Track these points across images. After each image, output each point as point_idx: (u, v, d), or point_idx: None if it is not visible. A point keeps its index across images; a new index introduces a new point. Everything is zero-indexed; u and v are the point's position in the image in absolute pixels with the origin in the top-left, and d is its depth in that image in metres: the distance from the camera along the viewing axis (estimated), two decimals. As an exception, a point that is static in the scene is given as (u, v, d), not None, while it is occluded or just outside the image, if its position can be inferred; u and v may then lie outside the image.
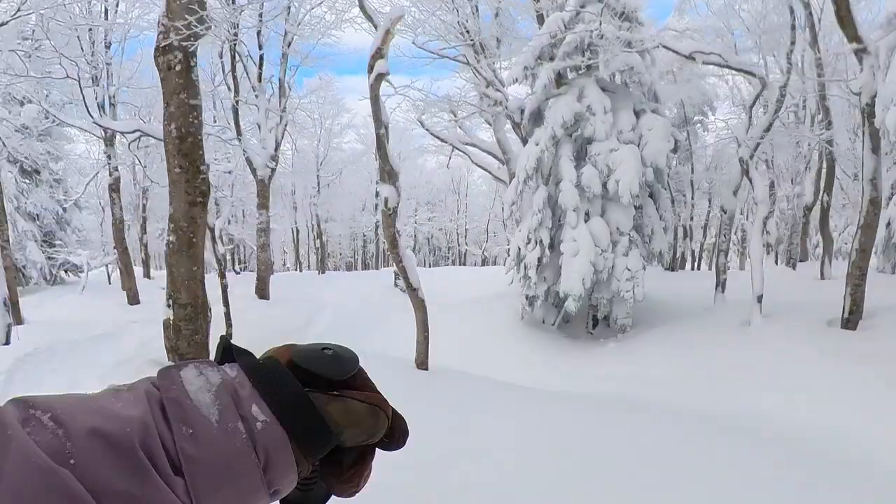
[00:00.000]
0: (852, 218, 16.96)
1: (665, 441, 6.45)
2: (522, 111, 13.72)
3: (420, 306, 8.31)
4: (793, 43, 13.01)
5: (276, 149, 16.24)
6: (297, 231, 34.63)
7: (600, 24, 11.29)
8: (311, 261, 38.97)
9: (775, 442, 6.80)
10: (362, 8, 9.37)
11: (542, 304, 12.90)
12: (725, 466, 5.59)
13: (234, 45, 14.55)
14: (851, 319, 9.95)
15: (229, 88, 15.65)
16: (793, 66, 13.52)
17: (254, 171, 15.93)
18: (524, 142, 13.79)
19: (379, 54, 7.94)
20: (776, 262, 24.30)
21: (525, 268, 12.55)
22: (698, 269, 24.91)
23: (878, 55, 9.73)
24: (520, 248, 12.65)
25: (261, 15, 14.92)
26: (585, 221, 12.12)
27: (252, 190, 18.78)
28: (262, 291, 15.77)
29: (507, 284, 13.53)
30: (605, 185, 12.03)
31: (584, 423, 6.91)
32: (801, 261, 20.44)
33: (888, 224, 16.54)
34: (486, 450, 5.37)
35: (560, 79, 12.87)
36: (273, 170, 15.82)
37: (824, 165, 17.82)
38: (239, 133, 15.49)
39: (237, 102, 15.22)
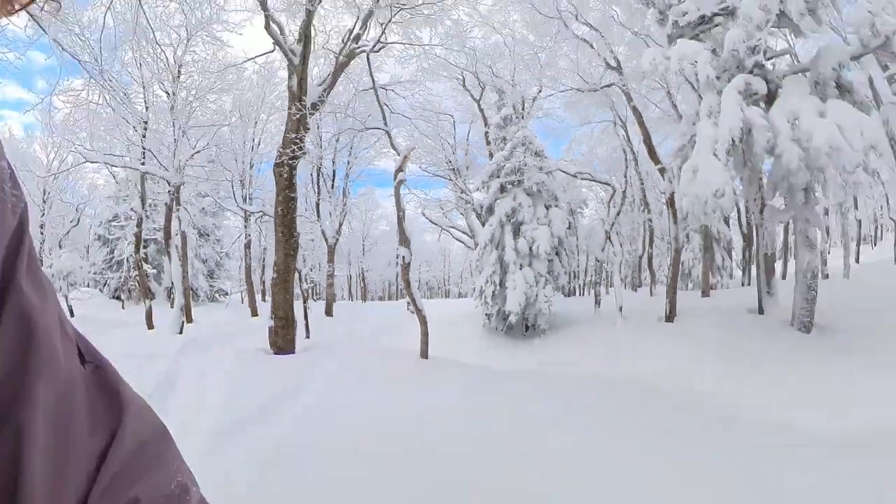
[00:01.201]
0: (665, 260, 20.06)
1: (581, 394, 7.26)
2: (482, 207, 15.49)
3: (423, 321, 9.32)
4: (626, 168, 17.32)
5: (339, 227, 21.84)
6: (350, 277, 42.35)
7: (524, 157, 14.02)
8: (356, 294, 45.96)
9: (640, 390, 7.93)
10: (392, 145, 11.25)
11: (495, 319, 13.99)
12: (618, 408, 6.48)
13: (320, 165, 19.17)
14: (670, 316, 11.97)
15: (315, 191, 20.20)
16: (627, 179, 17.92)
17: (325, 239, 20.60)
18: (483, 224, 15.46)
19: (400, 169, 9.84)
20: (625, 288, 25.78)
21: (485, 297, 13.89)
22: (583, 294, 27.16)
23: (672, 169, 12.12)
24: (482, 286, 14.05)
25: (335, 149, 20.10)
26: (520, 269, 13.50)
27: (324, 251, 22.45)
28: (329, 312, 19.67)
29: (474, 308, 14.79)
30: (530, 249, 13.53)
31: (527, 387, 7.57)
32: (638, 286, 23.85)
33: (682, 263, 20.34)
34: (471, 401, 6.40)
35: (503, 188, 14.45)
36: (337, 239, 21.01)
37: (647, 232, 21.36)
38: (318, 216, 19.87)
39: (319, 199, 20.04)
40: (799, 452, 4.83)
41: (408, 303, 17.22)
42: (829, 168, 8.35)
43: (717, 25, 10.06)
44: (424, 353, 9.24)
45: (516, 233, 14.00)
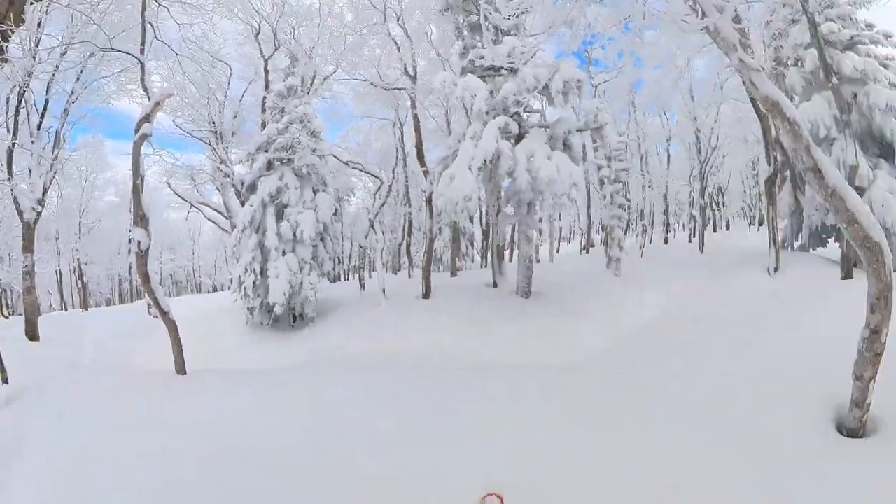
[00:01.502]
0: (421, 248, 22.20)
1: (355, 370, 7.82)
2: (244, 183, 14.30)
3: (172, 327, 7.50)
4: (396, 165, 18.69)
5: (44, 194, 12.43)
6: (61, 273, 26.70)
7: (300, 135, 13.35)
8: (73, 300, 30.11)
9: (412, 361, 8.97)
10: (143, 82, 8.55)
11: (258, 313, 13.05)
12: (412, 386, 6.25)
13: (25, 87, 11.54)
14: (426, 294, 13.62)
15: (8, 130, 11.93)
16: (395, 175, 19.20)
17: (20, 213, 11.93)
18: (242, 203, 14.43)
19: (146, 119, 7.42)
20: (387, 271, 26.88)
21: (244, 289, 12.66)
22: (348, 279, 27.33)
23: (435, 174, 13.48)
24: (241, 276, 12.80)
25: (57, 67, 11.99)
26: (283, 256, 12.74)
27: (17, 232, 14.64)
28: (32, 333, 11.78)
29: (233, 302, 13.55)
30: (294, 234, 12.82)
31: (302, 379, 7.10)
32: (398, 270, 25.41)
33: (434, 249, 23.00)
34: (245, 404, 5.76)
35: (270, 165, 13.58)
36: (39, 213, 12.05)
37: (407, 223, 22.80)
38: (10, 173, 11.91)
39: (14, 144, 11.95)
40: (534, 376, 6.58)
41: (149, 304, 14.49)
42: (546, 192, 11.48)
43: (500, 75, 12.45)
44: (180, 369, 7.48)
45: (280, 216, 13.23)
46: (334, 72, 16.34)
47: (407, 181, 20.55)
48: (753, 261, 12.92)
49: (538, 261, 20.31)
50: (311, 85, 16.24)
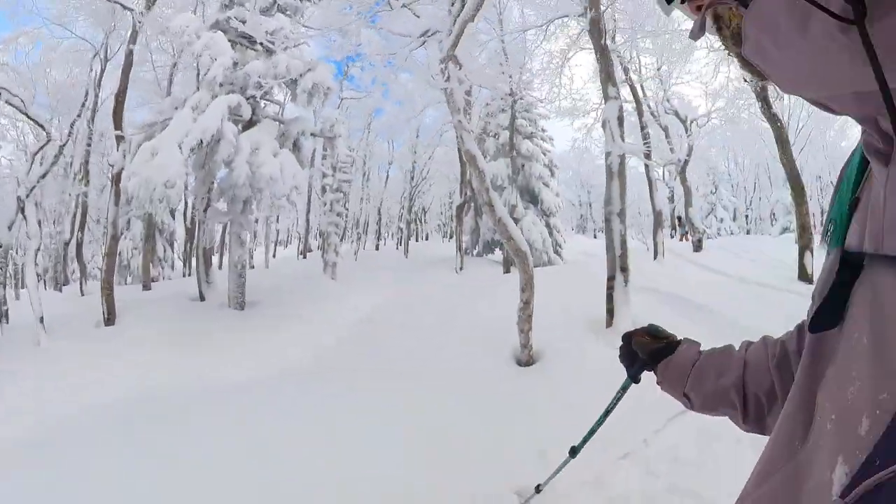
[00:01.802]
0: (99, 249, 17.29)
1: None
2: None
3: None
4: (80, 114, 12.93)
5: None
6: None
7: None
8: None
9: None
10: None
11: None
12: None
13: None
14: (110, 318, 10.04)
15: None
16: (75, 132, 13.25)
17: None
18: None
19: None
20: (45, 288, 19.73)
21: None
22: None
23: (132, 143, 11.02)
24: None
25: None
26: None
27: None
28: None
29: None
30: None
31: None
32: (64, 284, 18.80)
33: (119, 253, 18.72)
34: None
35: None
36: None
37: (81, 209, 16.88)
38: None
39: None
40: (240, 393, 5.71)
41: None
42: (266, 191, 10.64)
43: (254, 49, 11.12)
44: None
45: None
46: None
47: (90, 145, 14.83)
48: (445, 263, 16.47)
49: (252, 266, 19.38)
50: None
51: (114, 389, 7.25)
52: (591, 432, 1.57)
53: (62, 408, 6.73)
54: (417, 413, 4.69)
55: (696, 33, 0.49)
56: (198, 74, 11.47)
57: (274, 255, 25.29)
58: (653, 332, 0.95)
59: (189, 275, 18.71)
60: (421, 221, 39.88)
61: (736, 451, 3.27)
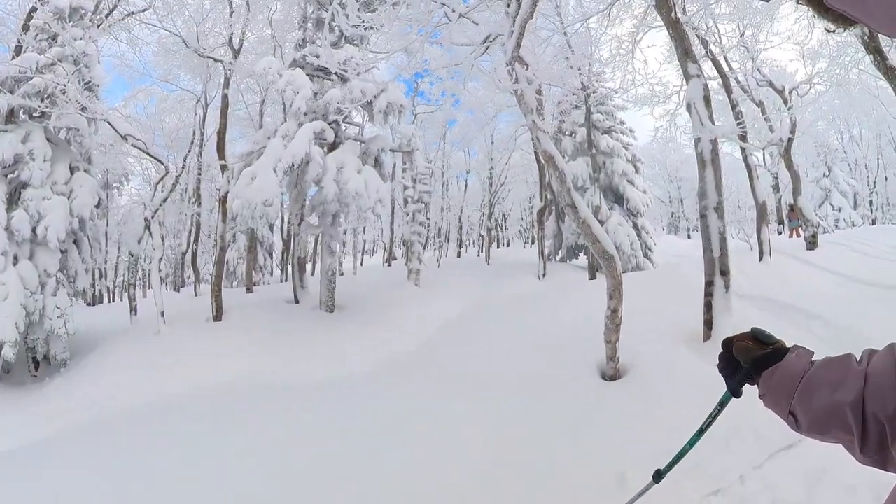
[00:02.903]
0: (210, 258, 19.02)
1: (124, 436, 5.93)
2: None
3: None
4: (190, 151, 15.57)
5: None
6: None
7: (68, 81, 9.28)
8: None
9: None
10: None
11: None
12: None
13: None
14: (217, 315, 11.38)
15: None
16: (186, 164, 15.87)
17: None
18: None
19: None
20: (166, 290, 23.26)
21: None
22: (114, 300, 22.72)
23: (234, 170, 12.36)
24: None
25: None
26: (14, 265, 8.96)
27: None
28: None
29: None
30: (34, 229, 9.18)
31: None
32: (181, 287, 22.06)
33: (227, 261, 20.55)
34: None
35: (12, 115, 9.57)
36: None
37: (194, 226, 18.88)
38: None
39: None
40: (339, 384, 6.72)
41: None
42: (353, 205, 11.26)
43: (329, 80, 12.01)
44: None
45: (14, 199, 9.50)
46: (145, 10, 12.54)
47: (200, 174, 17.23)
48: (527, 269, 16.00)
49: (342, 273, 20.49)
50: (107, 17, 11.86)
51: (217, 374, 8.53)
52: (681, 455, 1.41)
53: (176, 386, 8.13)
54: (493, 423, 4.64)
55: None
56: (284, 107, 12.69)
57: (361, 264, 26.50)
58: (758, 337, 0.84)
59: (285, 280, 20.09)
60: (501, 227, 39.57)
61: (848, 501, 2.69)
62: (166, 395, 7.80)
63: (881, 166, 28.46)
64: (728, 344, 0.87)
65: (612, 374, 5.55)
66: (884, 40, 7.36)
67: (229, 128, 13.70)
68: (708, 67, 10.79)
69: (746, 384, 0.85)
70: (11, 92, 9.47)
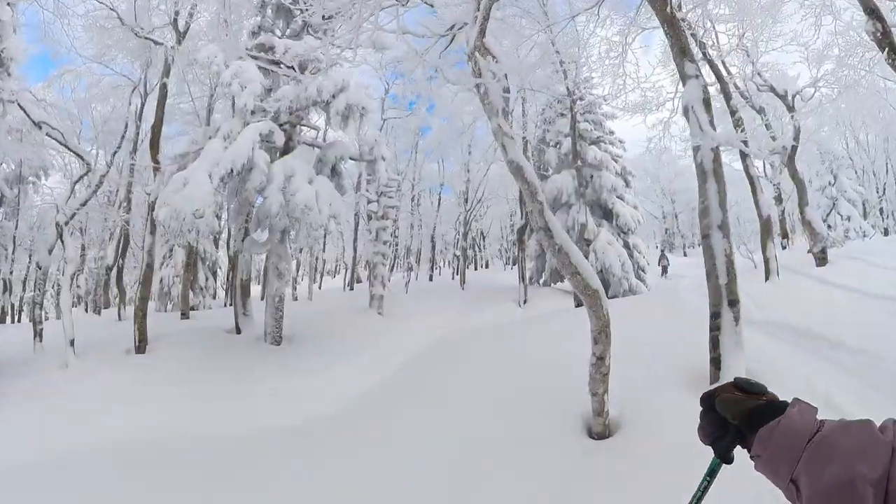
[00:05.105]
0: (137, 276, 17.83)
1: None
2: None
3: None
4: (119, 147, 14.47)
5: None
6: None
7: None
8: None
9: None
10: None
11: None
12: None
13: None
14: (140, 346, 10.49)
15: None
16: (116, 163, 14.86)
17: None
18: None
19: None
20: (86, 311, 22.76)
21: None
22: (19, 321, 21.25)
23: (167, 173, 11.33)
24: None
25: None
26: None
27: None
28: None
29: None
30: None
31: None
32: (105, 308, 20.34)
33: (161, 280, 19.59)
34: None
35: None
36: None
37: (123, 238, 18.23)
38: None
39: None
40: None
41: None
42: (302, 221, 10.63)
43: (286, 75, 11.27)
44: None
45: None
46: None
47: (132, 176, 15.86)
48: (507, 295, 15.40)
49: (295, 298, 19.76)
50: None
51: (133, 423, 7.36)
52: None
53: (77, 440, 6.80)
54: (459, 494, 4.07)
55: None
56: (233, 104, 11.85)
57: (320, 287, 25.60)
58: (744, 387, 0.78)
59: (230, 305, 19.10)
60: (479, 247, 39.18)
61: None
62: (62, 452, 6.42)
63: (891, 172, 28.85)
64: (709, 399, 0.81)
65: (600, 431, 4.99)
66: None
67: (170, 124, 13.21)
68: (705, 72, 10.74)
69: (738, 445, 0.80)
70: None
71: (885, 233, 26.85)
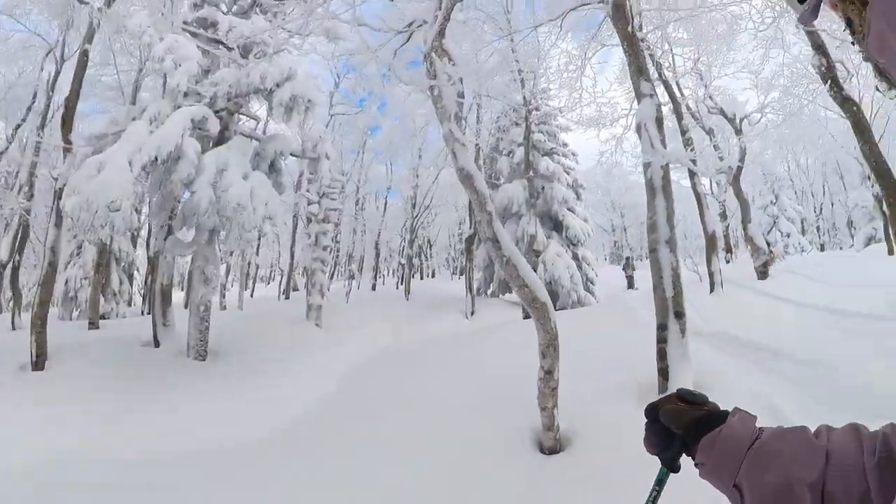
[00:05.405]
0: (37, 276, 16.66)
1: None
2: None
3: None
4: (24, 118, 13.34)
5: None
6: None
7: None
8: None
9: None
10: None
11: None
12: None
13: None
14: (39, 361, 9.51)
15: None
16: (19, 137, 13.49)
17: None
18: None
19: None
20: None
21: None
22: None
23: (80, 155, 10.25)
24: None
25: None
26: None
27: None
28: None
29: None
30: None
31: None
32: None
33: (66, 282, 18.41)
34: None
35: None
36: None
37: (21, 228, 16.16)
38: None
39: None
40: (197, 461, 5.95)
41: None
42: (234, 220, 10.06)
43: (228, 56, 10.44)
44: None
45: None
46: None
47: (37, 155, 13.99)
48: (453, 305, 15.66)
49: (224, 307, 19.06)
50: None
51: (27, 454, 6.69)
52: None
53: None
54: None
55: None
56: (164, 83, 11.19)
57: (252, 294, 24.83)
58: (686, 398, 0.84)
59: (148, 313, 17.98)
60: (426, 256, 39.27)
61: None
62: None
63: (827, 193, 33.33)
64: (653, 411, 0.86)
65: (551, 445, 5.10)
66: (841, 72, 7.98)
67: (88, 98, 12.14)
68: (660, 92, 11.56)
69: (683, 454, 0.84)
70: None
71: (822, 248, 30.83)
